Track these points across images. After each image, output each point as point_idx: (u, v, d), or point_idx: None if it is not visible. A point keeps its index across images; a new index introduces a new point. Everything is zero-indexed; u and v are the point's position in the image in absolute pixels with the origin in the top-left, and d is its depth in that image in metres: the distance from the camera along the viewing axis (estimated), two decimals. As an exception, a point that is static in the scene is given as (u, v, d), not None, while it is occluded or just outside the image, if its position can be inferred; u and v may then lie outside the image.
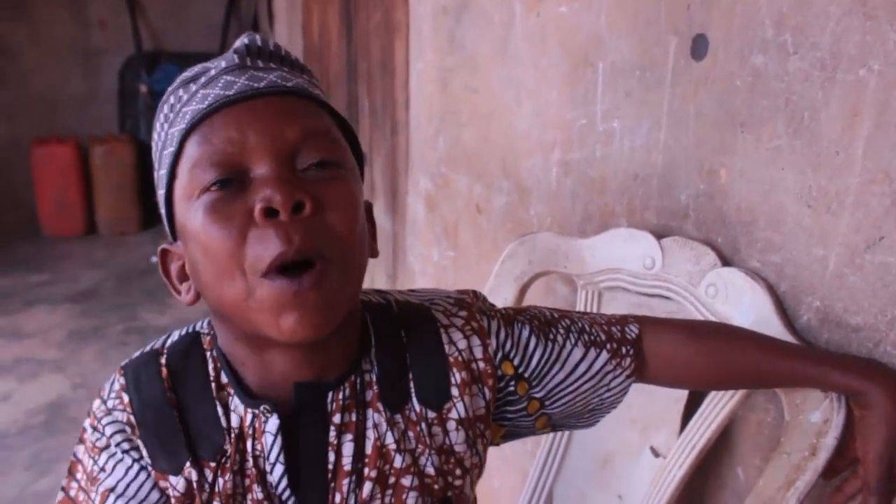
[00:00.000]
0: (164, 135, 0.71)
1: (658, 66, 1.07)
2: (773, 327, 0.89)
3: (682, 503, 1.05)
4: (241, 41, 0.70)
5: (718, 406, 0.96)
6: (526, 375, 0.81)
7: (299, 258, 0.63)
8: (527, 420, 0.84)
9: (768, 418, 0.96)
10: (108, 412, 0.74)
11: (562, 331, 0.83)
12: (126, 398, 0.73)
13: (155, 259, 0.73)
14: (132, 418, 0.73)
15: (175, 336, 0.78)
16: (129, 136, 5.40)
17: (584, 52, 1.24)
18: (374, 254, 0.77)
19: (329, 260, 0.65)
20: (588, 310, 1.15)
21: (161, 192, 0.71)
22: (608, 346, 0.83)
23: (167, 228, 0.73)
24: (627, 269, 1.09)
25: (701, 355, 0.84)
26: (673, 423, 1.05)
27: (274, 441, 0.71)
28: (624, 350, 0.83)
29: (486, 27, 1.57)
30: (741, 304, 0.93)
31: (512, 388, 0.82)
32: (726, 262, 0.98)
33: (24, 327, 3.91)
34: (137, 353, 0.77)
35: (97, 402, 0.75)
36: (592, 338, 0.83)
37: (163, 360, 0.75)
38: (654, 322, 0.87)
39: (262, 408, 0.71)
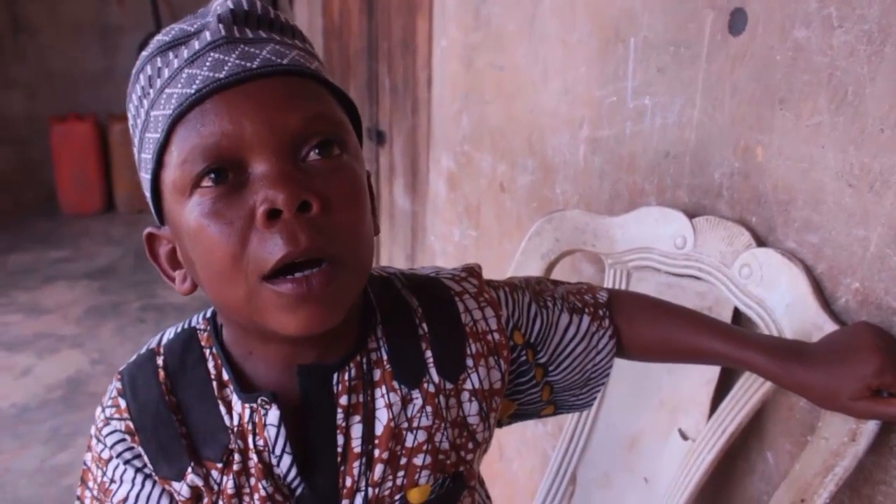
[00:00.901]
0: (143, 114, 0.64)
1: (693, 41, 1.05)
2: (810, 309, 0.87)
3: (709, 487, 1.03)
4: (225, 4, 0.63)
5: (751, 390, 0.94)
6: (532, 341, 0.83)
7: (305, 258, 0.59)
8: (535, 392, 0.85)
9: (801, 402, 0.94)
10: (107, 421, 0.71)
11: (549, 298, 0.85)
12: (123, 404, 0.71)
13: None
14: (130, 425, 0.70)
15: (170, 334, 0.74)
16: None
17: (616, 28, 1.21)
18: (376, 231, 0.72)
19: (337, 258, 0.61)
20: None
21: (145, 177, 0.65)
22: (587, 310, 0.86)
23: (153, 212, 0.68)
24: (658, 248, 1.06)
25: (652, 325, 0.88)
26: (702, 406, 1.03)
27: (277, 433, 0.68)
28: (601, 312, 0.87)
29: (513, 3, 1.54)
30: (777, 285, 0.91)
31: (524, 359, 0.82)
32: (761, 242, 0.96)
33: (44, 303, 3.94)
34: (134, 356, 0.74)
35: (98, 410, 0.73)
36: (572, 305, 0.86)
37: (159, 362, 0.72)
38: (615, 291, 0.92)
39: (259, 400, 0.68)
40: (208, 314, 0.74)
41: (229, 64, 0.60)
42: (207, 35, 0.61)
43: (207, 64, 0.60)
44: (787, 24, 0.89)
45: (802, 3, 0.87)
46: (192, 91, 0.60)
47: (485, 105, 1.72)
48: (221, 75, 0.60)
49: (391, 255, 3.04)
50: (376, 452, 0.71)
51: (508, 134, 1.62)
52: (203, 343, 0.72)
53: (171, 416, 0.69)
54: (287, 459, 0.69)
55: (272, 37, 0.64)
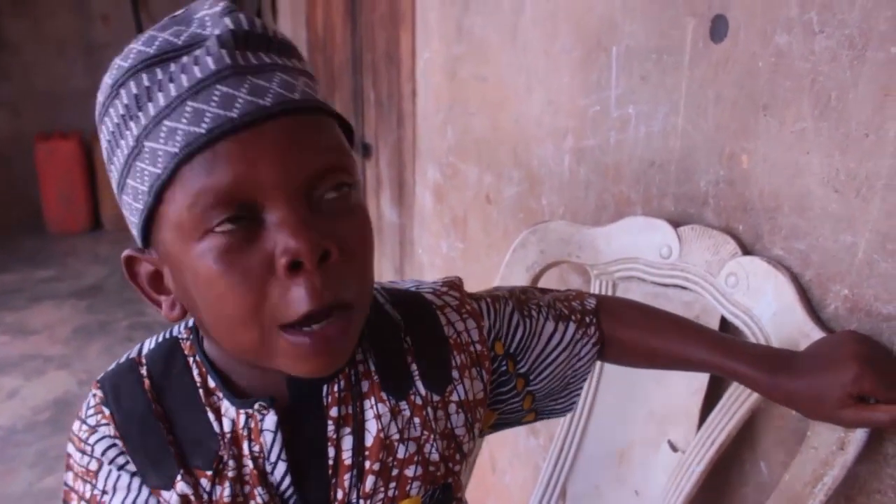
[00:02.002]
0: (130, 139, 0.60)
1: (675, 49, 1.04)
2: (797, 317, 0.86)
3: (702, 498, 1.02)
4: (224, 25, 0.59)
5: (740, 400, 0.93)
6: (511, 351, 0.82)
7: (326, 312, 0.59)
8: (516, 401, 0.85)
9: (792, 411, 0.93)
10: (93, 430, 0.68)
11: (534, 307, 0.85)
12: (107, 412, 0.68)
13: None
14: (117, 432, 0.67)
15: (151, 344, 0.73)
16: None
17: (598, 37, 1.20)
18: None
19: (352, 305, 0.61)
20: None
21: (135, 205, 0.61)
22: (573, 317, 0.86)
23: (136, 234, 0.64)
24: (643, 258, 1.05)
25: (638, 332, 0.88)
26: (691, 417, 1.01)
27: (274, 438, 0.67)
28: (587, 320, 0.87)
29: (495, 14, 1.54)
30: (763, 293, 0.90)
31: (504, 368, 0.82)
32: (747, 250, 0.95)
33: (30, 324, 3.90)
34: (113, 366, 0.72)
35: (77, 424, 0.69)
36: (558, 312, 0.86)
37: (143, 371, 0.70)
38: (603, 298, 0.92)
39: (256, 405, 0.67)
40: (190, 323, 0.73)
41: (240, 101, 0.57)
42: (210, 62, 0.57)
43: (215, 99, 0.57)
44: (769, 30, 0.88)
45: (783, 8, 0.86)
46: (203, 131, 0.56)
47: (469, 116, 1.71)
48: (234, 115, 0.56)
49: (380, 268, 3.03)
50: (367, 464, 0.70)
51: (493, 145, 1.61)
52: (186, 352, 0.70)
53: (158, 424, 0.67)
54: (282, 466, 0.68)
55: (276, 62, 0.61)
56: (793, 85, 0.86)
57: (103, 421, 0.68)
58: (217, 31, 0.58)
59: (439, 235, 1.99)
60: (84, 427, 0.69)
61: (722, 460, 0.98)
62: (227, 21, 0.59)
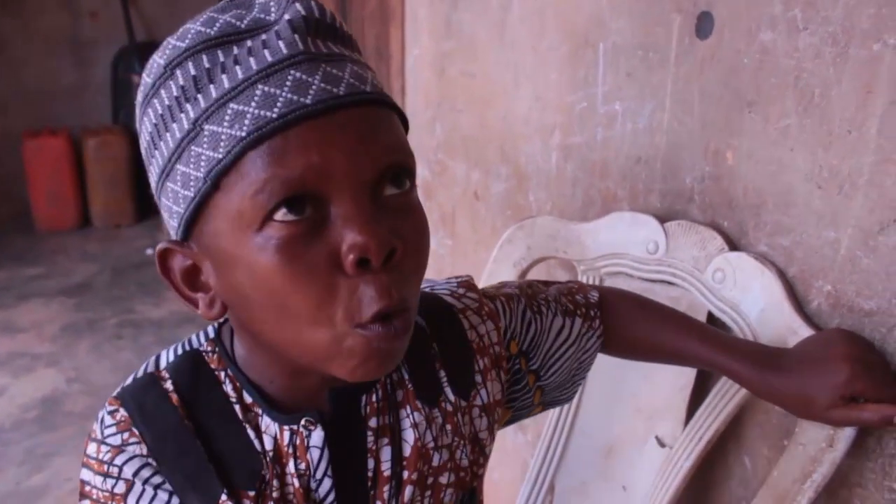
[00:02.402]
0: (187, 121, 0.56)
1: (661, 45, 1.04)
2: (784, 313, 0.87)
3: (688, 494, 1.02)
4: (296, 10, 0.56)
5: (727, 396, 0.94)
6: (524, 349, 0.82)
7: (394, 310, 0.57)
8: (528, 397, 0.84)
9: (776, 406, 0.93)
10: (119, 450, 0.63)
11: (543, 302, 0.84)
12: (136, 430, 0.63)
13: (151, 252, 0.62)
14: (150, 452, 0.63)
15: (170, 356, 0.68)
16: (123, 127, 5.33)
17: (585, 33, 1.21)
18: None
19: (412, 305, 0.59)
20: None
21: (185, 193, 0.57)
22: (578, 311, 0.86)
23: (177, 227, 0.60)
24: (630, 253, 1.06)
25: (636, 325, 0.88)
26: (678, 413, 1.02)
27: (321, 455, 0.65)
28: (592, 313, 0.87)
29: (483, 11, 1.54)
30: (750, 289, 0.91)
31: (518, 367, 0.81)
32: (733, 246, 0.95)
33: (18, 321, 3.87)
34: (129, 381, 0.67)
35: (93, 447, 0.64)
36: (564, 307, 0.85)
37: (167, 386, 0.65)
38: (604, 290, 0.91)
39: (303, 421, 0.64)
40: (210, 334, 0.69)
41: (314, 88, 0.54)
42: (282, 46, 0.55)
43: (288, 84, 0.54)
44: (753, 27, 0.89)
45: (768, 5, 0.86)
46: (275, 116, 0.53)
47: (458, 113, 1.71)
48: (308, 101, 0.54)
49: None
50: (405, 474, 0.70)
51: (482, 142, 1.61)
52: (214, 366, 0.66)
53: (195, 442, 0.63)
54: (328, 483, 0.66)
55: (344, 53, 0.59)
56: (777, 82, 0.86)
57: (132, 440, 0.63)
58: (288, 16, 0.56)
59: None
60: (105, 448, 0.64)
61: (707, 455, 0.98)
62: (298, 6, 0.57)
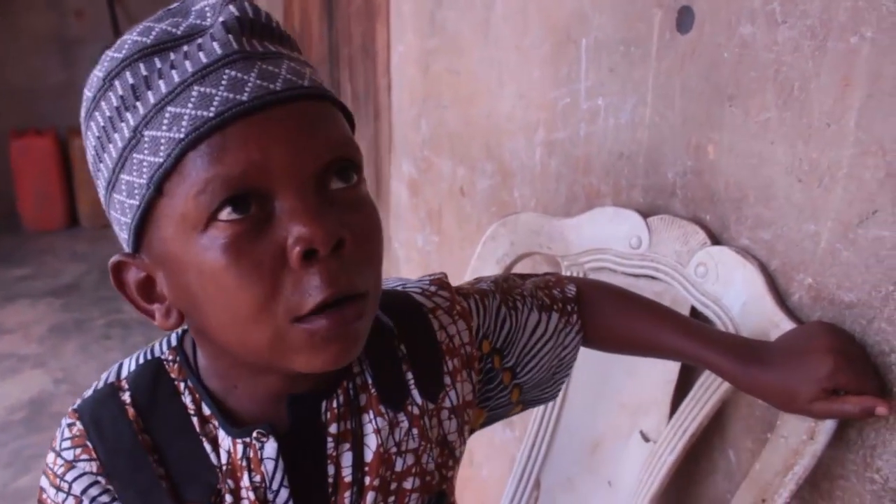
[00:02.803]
0: (127, 130, 0.57)
1: (642, 40, 1.04)
2: (766, 306, 0.87)
3: (673, 488, 1.03)
4: (229, 12, 0.56)
5: (710, 390, 0.94)
6: (498, 346, 0.81)
7: (341, 298, 0.56)
8: (503, 395, 0.84)
9: (759, 400, 0.94)
10: (70, 465, 0.63)
11: (518, 297, 0.83)
12: (90, 445, 0.63)
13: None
14: (101, 467, 0.63)
15: (131, 366, 0.68)
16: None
17: (567, 29, 1.20)
18: None
19: (367, 293, 0.59)
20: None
21: (130, 202, 0.58)
22: (555, 307, 0.85)
23: (127, 238, 0.60)
24: (613, 249, 1.06)
25: (615, 319, 0.87)
26: (662, 407, 1.02)
27: (276, 466, 0.64)
28: (569, 308, 0.86)
29: (467, 8, 1.53)
30: (732, 283, 0.91)
31: (490, 366, 0.81)
32: (716, 240, 0.95)
33: (5, 322, 3.86)
34: (89, 392, 0.67)
35: (51, 457, 0.65)
36: (541, 302, 0.84)
37: (125, 398, 0.65)
38: (583, 283, 0.91)
39: (255, 434, 0.63)
40: (173, 342, 0.68)
41: (250, 84, 0.54)
42: (216, 47, 0.55)
43: (224, 83, 0.54)
44: (733, 21, 0.89)
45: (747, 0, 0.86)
46: (212, 115, 0.53)
47: (443, 110, 1.71)
48: (244, 98, 0.54)
49: (358, 263, 3.02)
50: (367, 480, 0.69)
51: (466, 138, 1.61)
52: (174, 375, 0.66)
53: (147, 457, 0.63)
54: (284, 493, 0.65)
55: (281, 51, 0.59)
56: (757, 75, 0.86)
57: (83, 456, 0.64)
58: (221, 18, 0.56)
59: (415, 229, 1.99)
60: (59, 461, 0.64)
61: (692, 449, 0.98)
62: (232, 8, 0.57)
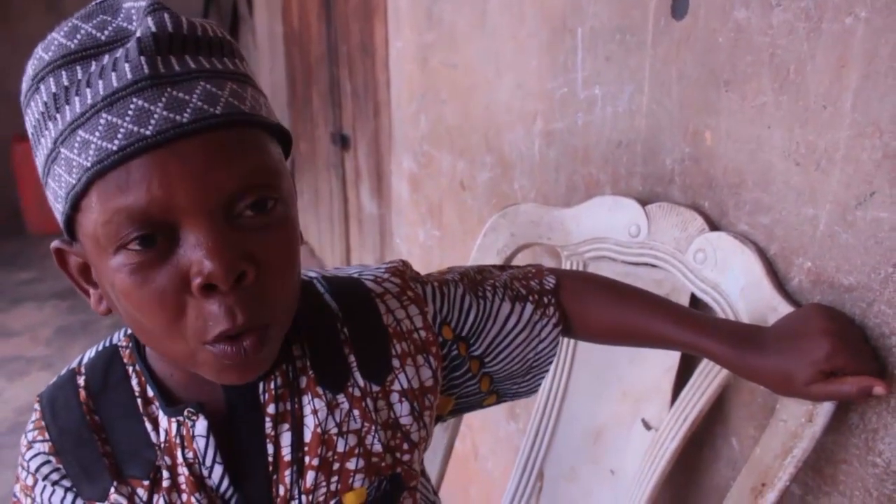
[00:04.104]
0: (48, 140, 0.58)
1: (638, 27, 1.04)
2: (765, 291, 0.86)
3: (675, 475, 1.03)
4: (146, 27, 0.55)
5: (710, 376, 0.94)
6: (463, 335, 0.81)
7: (242, 331, 0.58)
8: (472, 384, 0.84)
9: (760, 386, 0.93)
10: (30, 445, 0.69)
11: (489, 288, 0.84)
12: (44, 426, 0.69)
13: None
14: (53, 446, 0.68)
15: (92, 353, 0.73)
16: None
17: (563, 19, 1.20)
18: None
19: (269, 323, 0.61)
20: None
21: (56, 205, 0.60)
22: (530, 298, 0.84)
23: (62, 226, 0.62)
24: (612, 237, 1.06)
25: (602, 309, 0.87)
26: (664, 395, 1.02)
27: (207, 443, 0.67)
28: (546, 300, 0.85)
29: (463, 1, 1.53)
30: (731, 268, 0.91)
31: (455, 353, 0.81)
32: (714, 226, 0.95)
33: (12, 325, 3.88)
34: (55, 378, 0.73)
35: (22, 438, 0.71)
36: (515, 293, 0.84)
37: (80, 381, 0.70)
38: (566, 275, 0.90)
39: (186, 412, 0.67)
40: (129, 331, 0.72)
41: (156, 117, 0.54)
42: (127, 70, 0.54)
43: (130, 113, 0.54)
44: (728, 6, 0.88)
45: (741, -17, 0.86)
46: (115, 148, 0.54)
47: (441, 104, 1.71)
48: (148, 132, 0.53)
49: (361, 260, 3.02)
50: (307, 459, 0.70)
51: (466, 132, 1.60)
52: (126, 360, 0.70)
53: (93, 436, 0.68)
54: (218, 469, 0.68)
55: (202, 68, 0.57)
56: (753, 59, 0.86)
57: (39, 437, 0.69)
58: (138, 34, 0.55)
59: (416, 224, 1.99)
60: (24, 442, 0.70)
61: (694, 437, 0.98)
62: (150, 22, 0.56)
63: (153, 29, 0.55)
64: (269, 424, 0.69)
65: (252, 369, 0.62)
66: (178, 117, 0.54)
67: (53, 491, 0.69)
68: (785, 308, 0.84)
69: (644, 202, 1.02)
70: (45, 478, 0.68)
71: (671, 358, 1.02)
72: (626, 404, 1.07)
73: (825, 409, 0.78)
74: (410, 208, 2.02)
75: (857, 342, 0.76)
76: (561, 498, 1.16)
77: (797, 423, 0.81)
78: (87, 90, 0.55)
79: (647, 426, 1.03)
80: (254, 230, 0.58)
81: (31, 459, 0.69)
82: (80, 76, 0.56)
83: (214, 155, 0.55)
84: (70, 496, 0.68)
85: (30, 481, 0.69)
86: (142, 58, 0.55)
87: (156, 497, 0.67)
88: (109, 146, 0.54)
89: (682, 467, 1.02)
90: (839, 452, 0.83)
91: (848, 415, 0.81)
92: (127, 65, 0.55)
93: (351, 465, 0.72)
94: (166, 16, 0.56)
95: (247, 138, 0.58)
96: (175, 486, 0.68)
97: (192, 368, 0.62)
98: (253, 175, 0.57)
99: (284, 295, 0.62)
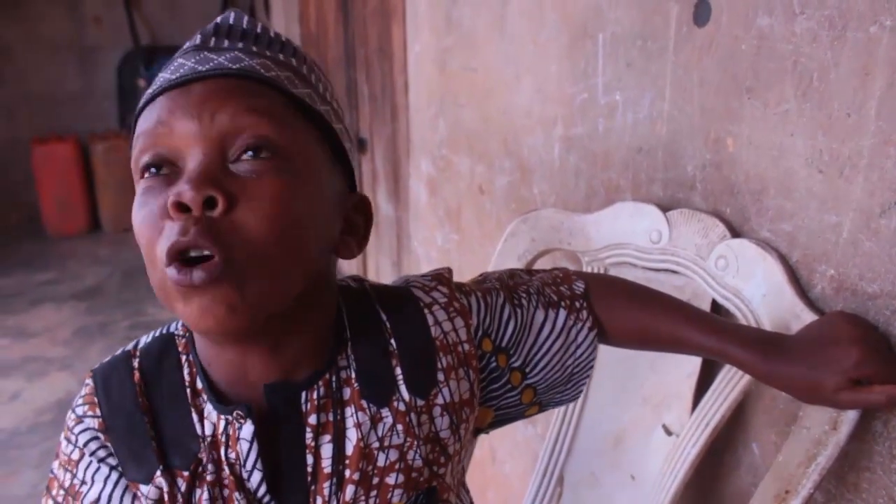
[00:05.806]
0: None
1: (659, 34, 1.04)
2: (787, 298, 0.86)
3: (697, 481, 1.03)
4: (215, 20, 0.68)
5: (732, 382, 0.94)
6: (503, 346, 0.80)
7: (196, 253, 0.58)
8: (513, 396, 0.83)
9: (782, 392, 0.93)
10: (80, 420, 0.70)
11: (524, 295, 0.83)
12: (96, 402, 0.70)
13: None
14: (103, 423, 0.69)
15: (148, 338, 0.74)
16: (130, 131, 5.36)
17: (584, 24, 1.21)
18: (347, 254, 0.71)
19: (237, 261, 0.59)
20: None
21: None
22: (563, 303, 0.84)
23: None
24: (633, 243, 1.06)
25: (629, 314, 0.86)
26: (685, 400, 1.02)
27: (250, 448, 0.67)
28: (577, 304, 0.84)
29: (482, 5, 1.54)
30: (753, 275, 0.91)
31: (494, 364, 0.80)
32: (736, 233, 0.95)
33: (31, 326, 3.91)
34: (109, 357, 0.73)
35: (69, 413, 0.71)
36: (547, 299, 0.84)
37: (135, 364, 0.71)
38: (593, 279, 0.89)
39: (234, 413, 0.67)
40: None
41: (186, 67, 0.64)
42: (187, 44, 0.67)
43: (171, 68, 0.65)
44: (751, 13, 0.88)
45: (764, -9, 0.86)
46: (152, 93, 0.65)
47: (460, 108, 1.72)
48: (175, 77, 0.63)
49: (378, 263, 3.03)
50: (347, 473, 0.69)
51: (484, 136, 1.61)
52: (180, 349, 0.71)
53: (143, 419, 0.68)
54: (257, 475, 0.68)
55: (248, 48, 0.66)
56: (775, 67, 0.86)
57: (90, 412, 0.69)
58: (208, 25, 0.67)
59: (434, 228, 1.99)
60: (72, 416, 0.70)
61: (715, 443, 0.98)
62: (219, 17, 0.68)
63: (217, 21, 0.68)
64: (309, 435, 0.68)
65: (210, 307, 0.59)
66: (200, 67, 0.64)
67: (98, 468, 0.68)
68: (808, 315, 0.84)
69: (665, 208, 1.02)
70: (93, 454, 0.68)
71: (692, 364, 1.02)
72: (646, 410, 1.07)
73: (850, 417, 0.78)
74: (428, 212, 2.03)
75: (884, 350, 0.76)
76: (581, 503, 1.17)
77: (821, 431, 0.81)
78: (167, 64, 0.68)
79: (668, 432, 1.03)
80: (246, 173, 0.61)
81: (80, 433, 0.69)
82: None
83: (217, 94, 0.62)
84: (115, 475, 0.68)
85: (76, 455, 0.69)
86: (199, 35, 0.67)
87: (198, 490, 0.67)
88: (151, 91, 0.65)
89: (702, 472, 1.02)
90: (862, 460, 0.83)
91: (872, 423, 0.81)
92: (188, 43, 0.67)
93: (391, 479, 0.71)
94: (231, 14, 0.68)
95: (255, 90, 0.64)
96: (219, 481, 0.68)
97: (169, 306, 0.62)
98: (251, 118, 0.62)
99: (262, 240, 0.60)
